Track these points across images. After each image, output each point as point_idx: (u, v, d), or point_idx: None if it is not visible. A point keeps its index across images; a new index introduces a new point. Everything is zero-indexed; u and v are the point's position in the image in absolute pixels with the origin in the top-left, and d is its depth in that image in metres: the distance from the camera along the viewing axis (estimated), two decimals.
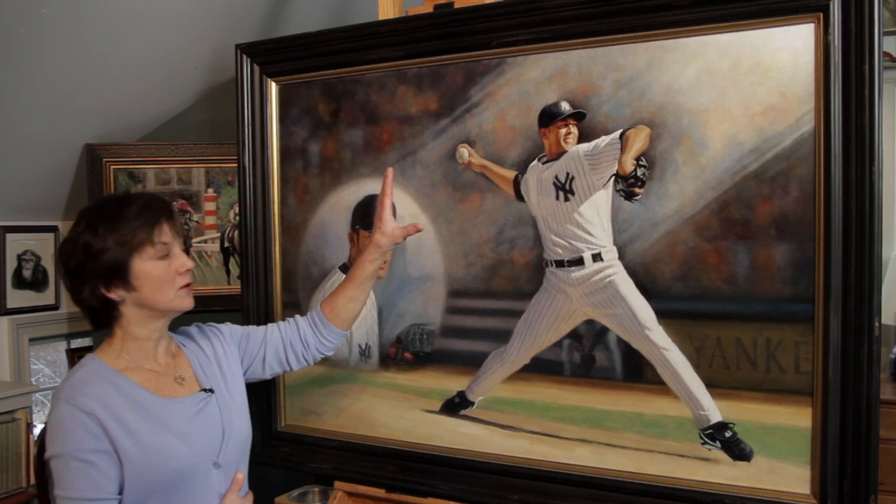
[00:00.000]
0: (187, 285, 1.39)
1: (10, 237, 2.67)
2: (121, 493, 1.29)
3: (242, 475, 1.43)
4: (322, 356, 1.64)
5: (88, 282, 1.33)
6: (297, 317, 1.64)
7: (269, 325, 1.63)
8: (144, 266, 1.34)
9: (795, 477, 1.40)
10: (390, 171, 1.60)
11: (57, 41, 2.09)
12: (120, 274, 1.33)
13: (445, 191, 1.70)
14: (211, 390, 1.43)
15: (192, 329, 1.55)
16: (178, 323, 1.54)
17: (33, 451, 2.38)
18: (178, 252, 1.38)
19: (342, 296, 1.60)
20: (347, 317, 1.61)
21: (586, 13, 1.51)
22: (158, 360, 1.42)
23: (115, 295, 1.34)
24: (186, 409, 1.38)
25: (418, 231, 1.60)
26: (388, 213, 1.58)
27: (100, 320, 1.38)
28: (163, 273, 1.35)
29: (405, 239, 1.60)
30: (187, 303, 1.39)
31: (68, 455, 1.26)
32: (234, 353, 1.54)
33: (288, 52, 1.86)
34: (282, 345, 1.59)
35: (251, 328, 1.61)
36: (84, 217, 1.36)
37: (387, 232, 1.57)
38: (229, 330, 1.58)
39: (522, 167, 1.62)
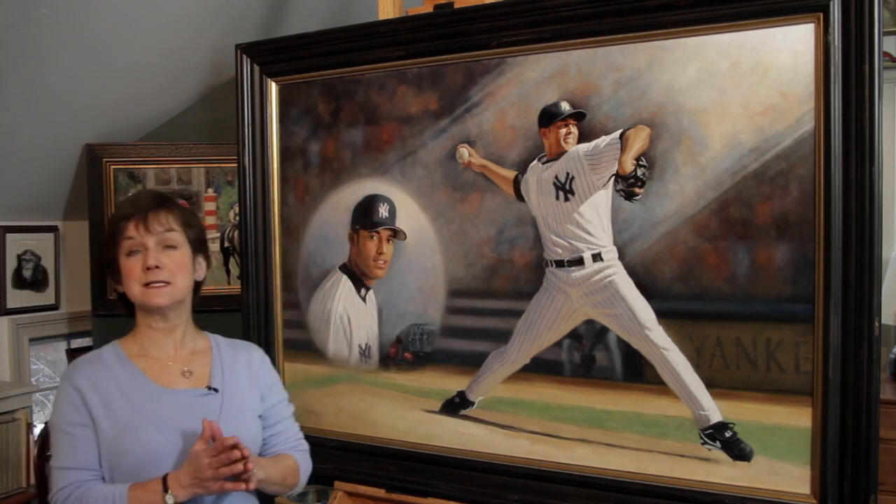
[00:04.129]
0: (154, 283, 1.38)
1: (10, 237, 2.67)
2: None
3: (214, 426, 1.30)
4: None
5: (107, 275, 1.47)
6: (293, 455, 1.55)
7: (284, 427, 1.57)
8: (122, 260, 1.40)
9: (795, 477, 1.40)
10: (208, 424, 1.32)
11: (57, 41, 2.09)
12: (111, 267, 1.43)
13: (445, 191, 1.70)
14: (215, 389, 1.44)
15: (246, 343, 1.60)
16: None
17: (33, 451, 2.37)
18: (150, 248, 1.39)
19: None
20: None
21: (586, 13, 1.51)
22: (168, 352, 1.45)
23: (119, 287, 1.43)
24: (179, 399, 1.39)
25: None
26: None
27: (126, 309, 1.48)
28: (130, 268, 1.40)
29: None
30: (153, 301, 1.39)
31: (56, 426, 1.37)
32: (257, 387, 1.53)
33: (288, 52, 1.86)
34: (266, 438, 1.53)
35: (282, 407, 1.57)
36: None
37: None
38: (271, 379, 1.57)
39: (522, 167, 1.62)
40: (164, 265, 1.39)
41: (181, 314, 1.47)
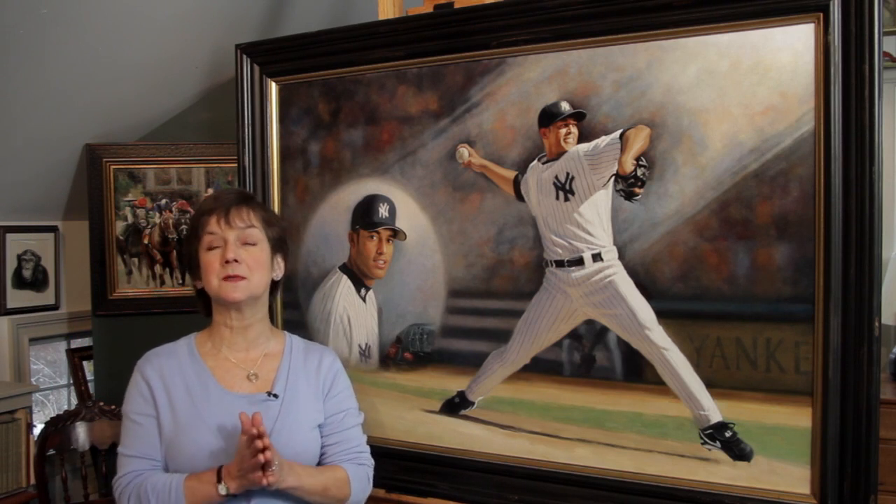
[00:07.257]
0: (232, 277, 1.40)
1: (10, 237, 2.67)
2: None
3: (253, 418, 1.27)
4: None
5: (187, 270, 1.52)
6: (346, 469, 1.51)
7: (344, 437, 1.54)
8: (202, 255, 1.43)
9: (795, 477, 1.40)
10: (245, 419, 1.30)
11: (57, 41, 2.09)
12: (193, 262, 1.46)
13: (445, 191, 1.70)
14: (275, 395, 1.44)
15: (319, 347, 1.61)
16: None
17: (33, 451, 2.38)
18: (230, 243, 1.41)
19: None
20: None
21: (586, 13, 1.51)
22: (239, 353, 1.47)
23: (198, 283, 1.47)
24: (238, 403, 1.40)
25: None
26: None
27: (204, 307, 1.51)
28: (209, 262, 1.42)
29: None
30: (230, 295, 1.41)
31: (125, 413, 1.43)
32: (321, 394, 1.53)
33: (288, 52, 1.86)
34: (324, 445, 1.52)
35: (343, 417, 1.54)
36: None
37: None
38: (338, 386, 1.56)
39: (522, 167, 1.62)
40: (243, 259, 1.42)
41: (256, 312, 1.48)
